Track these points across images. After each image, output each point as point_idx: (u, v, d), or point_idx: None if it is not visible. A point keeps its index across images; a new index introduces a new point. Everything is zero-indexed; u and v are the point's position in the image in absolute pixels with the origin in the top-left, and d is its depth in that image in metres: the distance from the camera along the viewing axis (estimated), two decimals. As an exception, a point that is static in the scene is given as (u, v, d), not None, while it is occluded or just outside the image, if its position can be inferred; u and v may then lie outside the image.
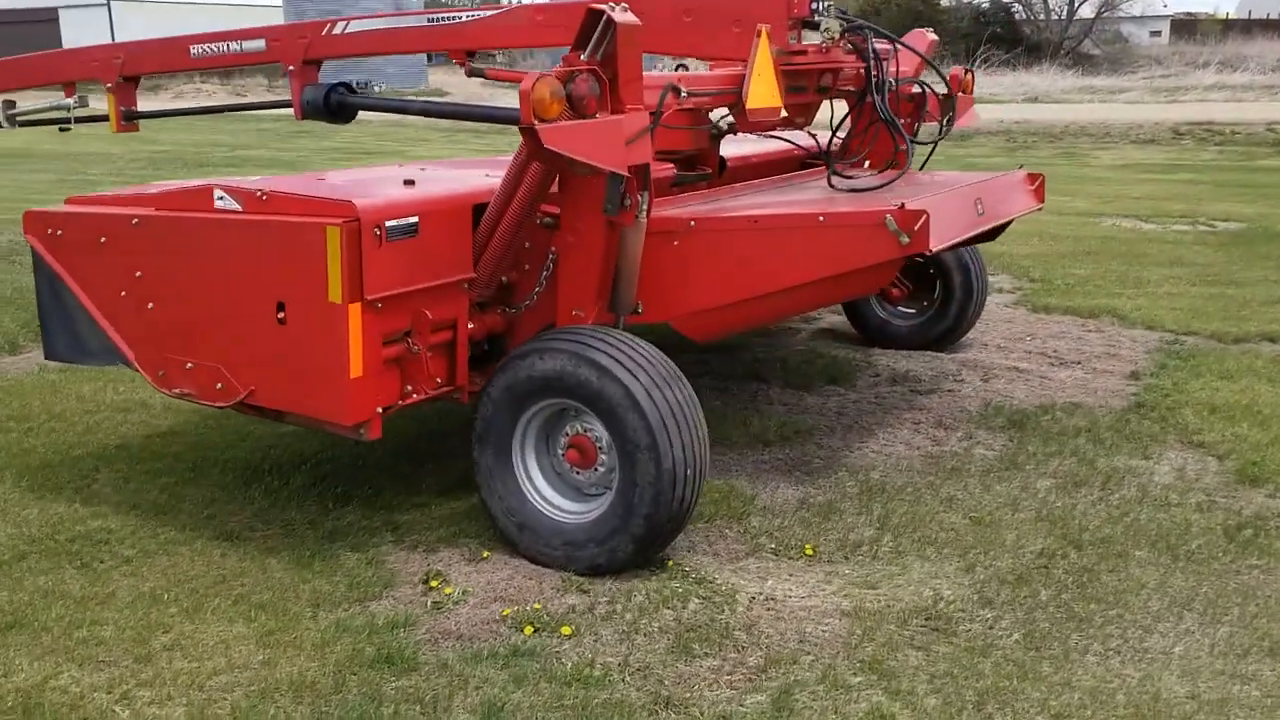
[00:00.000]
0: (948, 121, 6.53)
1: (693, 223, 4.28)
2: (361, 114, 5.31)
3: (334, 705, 3.20)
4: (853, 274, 4.27)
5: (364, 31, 6.25)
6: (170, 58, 6.76)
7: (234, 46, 6.55)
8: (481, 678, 3.32)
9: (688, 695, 3.25)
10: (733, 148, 5.95)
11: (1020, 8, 41.85)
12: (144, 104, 6.50)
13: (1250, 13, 56.04)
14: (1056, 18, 40.18)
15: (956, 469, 4.84)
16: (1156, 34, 49.22)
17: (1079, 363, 6.42)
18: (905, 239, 4.05)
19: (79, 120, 7.08)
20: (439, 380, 4.12)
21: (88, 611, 3.71)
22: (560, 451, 4.01)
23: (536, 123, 3.49)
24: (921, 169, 6.30)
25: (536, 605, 3.72)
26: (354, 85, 5.24)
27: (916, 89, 5.96)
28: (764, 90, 4.63)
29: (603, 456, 3.91)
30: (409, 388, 4.00)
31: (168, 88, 37.67)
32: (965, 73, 6.66)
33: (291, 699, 3.24)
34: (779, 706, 3.17)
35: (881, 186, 5.00)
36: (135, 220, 4.11)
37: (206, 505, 4.53)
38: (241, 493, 4.63)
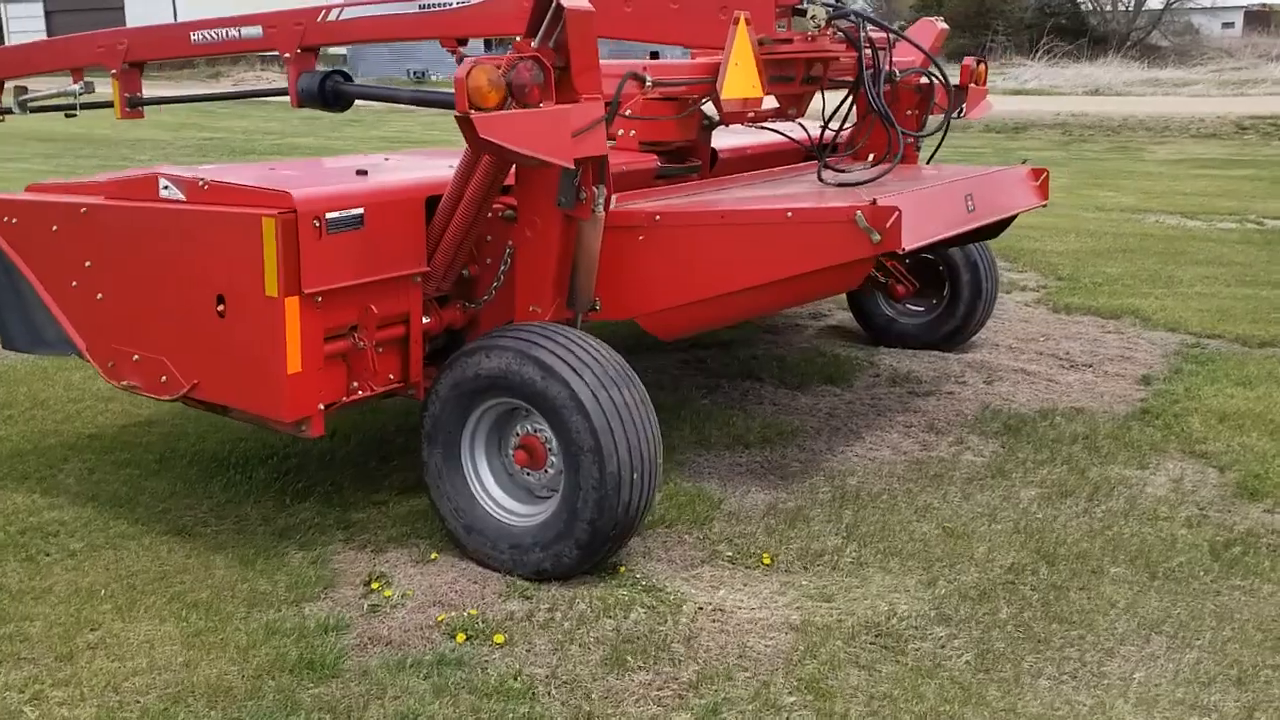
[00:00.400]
0: (957, 113, 6.35)
1: (658, 217, 4.13)
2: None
3: (247, 711, 3.11)
4: (824, 272, 4.09)
5: (357, 18, 6.17)
6: (172, 44, 6.73)
7: (233, 33, 6.48)
8: (401, 687, 3.21)
9: (611, 711, 3.11)
10: (730, 139, 5.79)
11: (1086, -2, 40.95)
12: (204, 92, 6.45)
13: (1329, 3, 54.30)
14: (1124, 9, 39.21)
15: (939, 476, 4.64)
16: (1229, 25, 47.85)
17: (1090, 366, 6.17)
18: (876, 237, 3.86)
19: (85, 106, 7.09)
20: (391, 377, 4.01)
21: (20, 606, 3.65)
22: (510, 452, 3.88)
23: (472, 112, 3.36)
24: (929, 161, 6.11)
25: (473, 611, 3.60)
26: (349, 73, 5.15)
27: (924, 80, 5.76)
28: (741, 80, 4.47)
29: (552, 458, 3.78)
30: (355, 384, 3.89)
31: (228, 75, 38.18)
32: (977, 63, 6.44)
33: (205, 703, 3.15)
34: (701, 727, 3.03)
35: (871, 180, 4.81)
36: (84, 209, 4.05)
37: (165, 498, 4.47)
38: (202, 486, 4.57)
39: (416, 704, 3.13)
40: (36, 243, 4.22)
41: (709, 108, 5.19)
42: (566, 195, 3.85)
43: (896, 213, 3.85)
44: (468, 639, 3.45)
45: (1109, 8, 39.64)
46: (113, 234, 4.00)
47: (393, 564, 3.94)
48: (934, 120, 5.89)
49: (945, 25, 6.34)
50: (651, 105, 4.81)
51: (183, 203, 3.82)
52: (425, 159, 4.84)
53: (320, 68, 5.11)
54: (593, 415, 3.55)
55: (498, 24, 5.44)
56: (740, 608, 3.64)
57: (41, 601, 3.69)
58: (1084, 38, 36.03)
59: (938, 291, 6.49)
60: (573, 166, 3.63)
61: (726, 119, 4.86)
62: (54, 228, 4.15)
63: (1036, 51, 34.24)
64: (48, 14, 44.08)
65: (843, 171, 5.17)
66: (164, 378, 3.96)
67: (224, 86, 33.09)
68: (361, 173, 4.06)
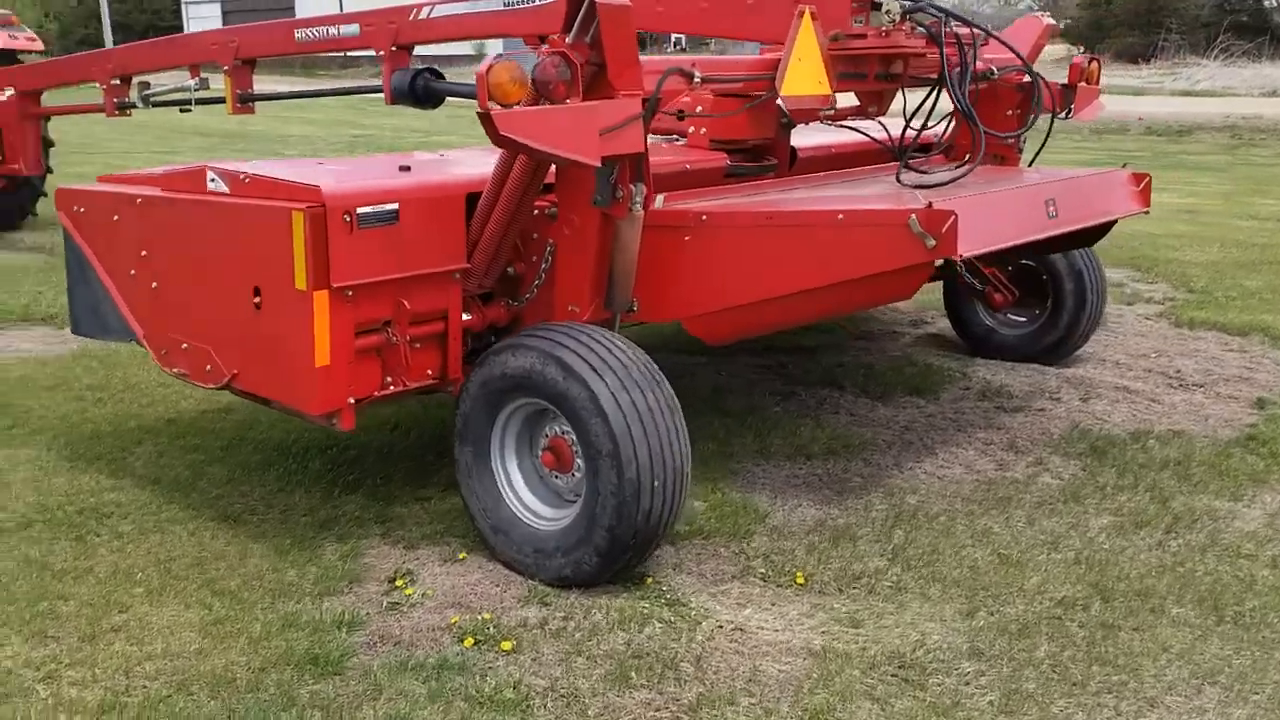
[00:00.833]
0: (1064, 113, 6.02)
1: (704, 217, 4.00)
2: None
3: (245, 703, 3.11)
4: (876, 278, 3.89)
5: (448, 16, 6.21)
6: (278, 42, 6.89)
7: (333, 31, 6.61)
8: (398, 689, 3.17)
9: (603, 729, 3.01)
10: (814, 138, 5.60)
11: (1272, -6, 38.64)
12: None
13: None
14: (1314, 5, 36.89)
15: (1007, 498, 4.38)
16: None
17: (1202, 385, 5.75)
18: (931, 242, 3.65)
19: (199, 102, 7.32)
20: (429, 372, 3.99)
21: (60, 585, 3.75)
22: (539, 453, 3.81)
23: (493, 108, 3.29)
24: (1032, 163, 5.81)
25: (486, 615, 3.54)
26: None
27: (1027, 78, 5.48)
28: (805, 77, 4.29)
29: (579, 461, 3.69)
30: (389, 379, 3.88)
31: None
32: (1089, 61, 6.10)
33: (208, 693, 3.17)
34: (689, 752, 2.90)
35: (950, 182, 4.57)
36: (140, 200, 4.14)
37: (222, 484, 4.54)
38: (260, 474, 4.63)
39: (408, 707, 3.08)
40: (100, 232, 4.34)
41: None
42: (602, 193, 3.75)
43: (952, 217, 3.63)
44: (476, 644, 3.39)
45: (1297, 4, 37.36)
46: (165, 224, 4.09)
47: (422, 561, 3.91)
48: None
49: (1054, 21, 6.01)
50: (722, 103, 4.68)
51: (226, 195, 3.87)
52: (484, 155, 4.80)
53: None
54: (611, 418, 3.44)
55: None
56: (762, 628, 3.48)
57: (81, 582, 3.78)
58: (1265, 36, 34.04)
59: (1040, 302, 6.16)
60: (599, 164, 3.53)
61: (793, 117, 4.69)
62: (115, 217, 4.26)
63: (1212, 50, 32.50)
64: (225, 13, 46.10)
65: (925, 172, 4.93)
66: (209, 366, 4.02)
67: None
68: (405, 169, 4.04)
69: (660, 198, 4.18)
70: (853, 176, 5.22)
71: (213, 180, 3.91)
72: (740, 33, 4.94)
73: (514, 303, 4.20)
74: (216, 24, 45.23)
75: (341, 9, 45.74)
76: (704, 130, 4.93)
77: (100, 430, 5.19)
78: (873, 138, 5.30)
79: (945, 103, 5.02)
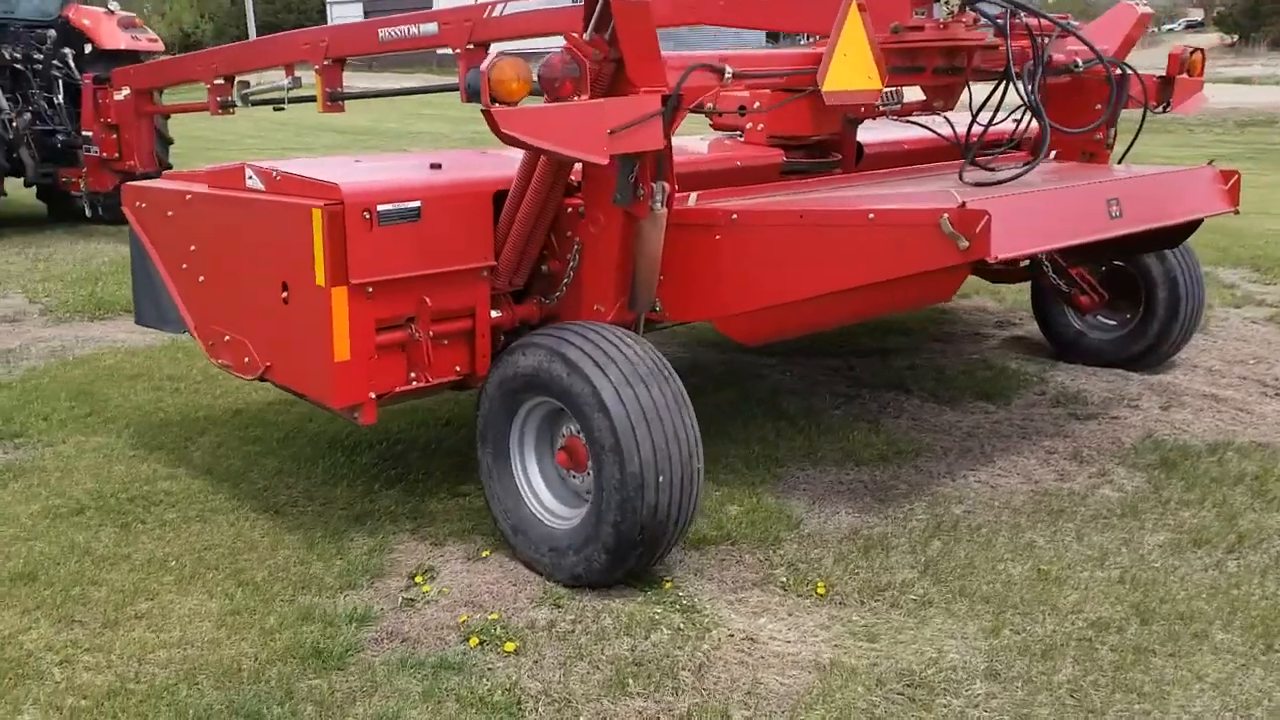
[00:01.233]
0: (1161, 107, 5.72)
1: (735, 216, 3.90)
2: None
3: (245, 695, 3.15)
4: (910, 280, 3.73)
5: (519, 14, 6.23)
6: (364, 41, 7.03)
7: (413, 30, 6.72)
8: (393, 687, 3.17)
9: (589, 736, 2.96)
10: (883, 134, 5.43)
11: None
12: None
13: None
14: None
15: (1060, 511, 4.17)
16: None
17: (1299, 395, 5.40)
18: (964, 243, 3.48)
19: (293, 100, 7.52)
20: (457, 369, 3.98)
21: (97, 570, 3.86)
22: (556, 452, 3.78)
23: (494, 105, 3.26)
24: (1121, 160, 5.53)
25: (494, 615, 3.51)
26: None
27: (1118, 71, 5.22)
28: (850, 70, 4.15)
29: (590, 459, 3.64)
30: (413, 375, 3.88)
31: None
32: (1190, 52, 5.77)
33: (212, 683, 3.22)
34: (669, 765, 2.82)
35: (1012, 179, 4.37)
36: (189, 196, 4.24)
37: (271, 476, 4.63)
38: (309, 466, 4.71)
39: (399, 705, 3.08)
40: (158, 226, 4.47)
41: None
42: (623, 192, 3.69)
43: (985, 217, 3.46)
44: (480, 644, 3.37)
45: None
46: (209, 220, 4.18)
47: (446, 558, 3.92)
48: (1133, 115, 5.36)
49: (1149, 10, 5.70)
50: (777, 99, 4.56)
51: (261, 192, 3.93)
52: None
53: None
54: (613, 412, 3.39)
55: (684, 14, 5.31)
56: (774, 639, 3.38)
57: (116, 568, 3.89)
58: None
59: (1133, 306, 5.85)
60: (606, 162, 3.46)
61: (852, 113, 4.55)
62: (169, 213, 4.37)
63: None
64: (366, 12, 47.38)
65: (992, 170, 4.72)
66: (247, 359, 4.10)
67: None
68: (436, 166, 4.04)
69: (693, 196, 4.10)
70: (920, 174, 5.04)
71: (250, 178, 3.98)
72: (782, 24, 4.82)
73: (546, 301, 4.17)
74: (358, 24, 46.50)
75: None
76: (761, 126, 4.82)
77: (169, 420, 5.35)
78: (939, 134, 5.10)
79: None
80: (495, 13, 6.15)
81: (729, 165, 4.59)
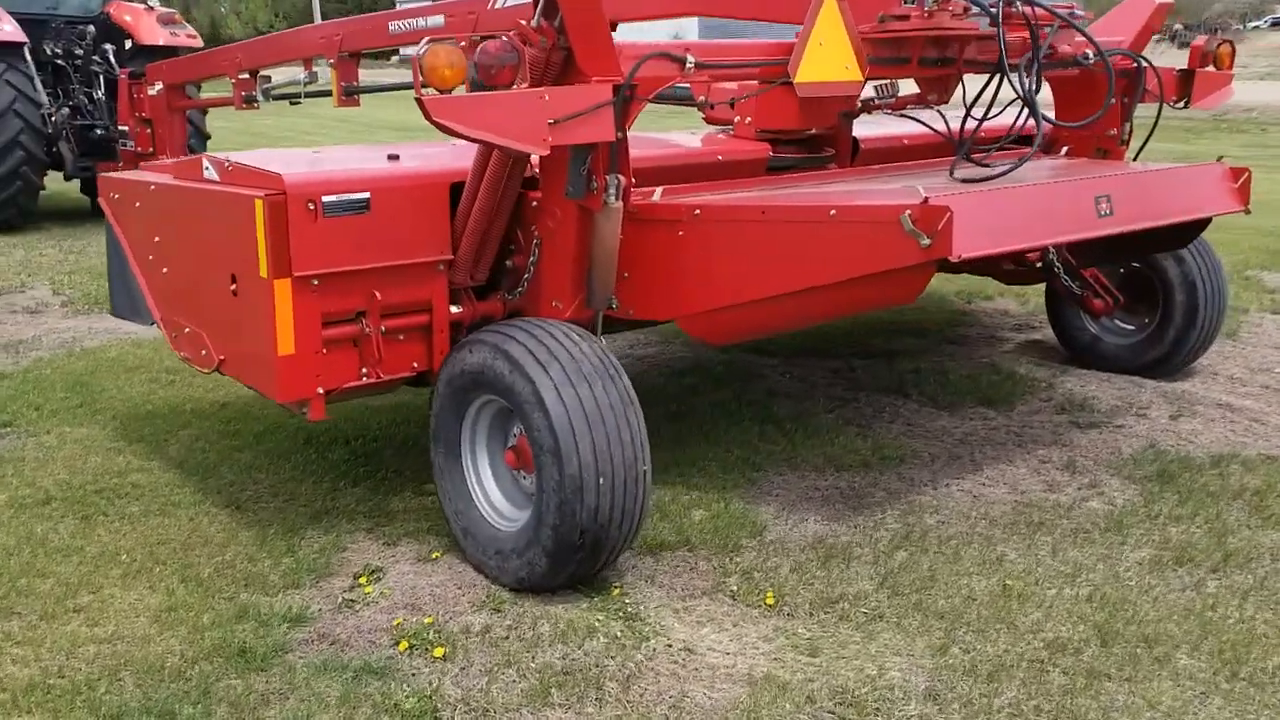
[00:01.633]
0: (1182, 102, 5.48)
1: (697, 211, 3.77)
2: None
3: (163, 693, 3.10)
4: (872, 279, 3.56)
5: (524, 5, 6.13)
6: (375, 35, 6.98)
7: (421, 23, 6.65)
8: (309, 691, 3.09)
9: (499, 748, 2.85)
10: (881, 129, 5.27)
11: None
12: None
13: None
14: None
15: (1041, 524, 3.97)
16: None
17: (1322, 407, 5.12)
18: (925, 241, 3.32)
19: (309, 95, 7.51)
20: (415, 365, 3.90)
21: (48, 563, 3.84)
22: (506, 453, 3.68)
23: (425, 93, 3.16)
24: (1136, 156, 5.32)
25: (429, 619, 3.42)
26: None
27: (1133, 64, 5.01)
28: (826, 62, 4.01)
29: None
30: (365, 371, 3.80)
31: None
32: (1217, 44, 5.52)
33: (134, 680, 3.16)
34: (572, 781, 2.70)
35: (1001, 175, 4.18)
36: (153, 187, 4.21)
37: (241, 471, 4.59)
38: (279, 462, 4.66)
39: (312, 709, 3.00)
40: (128, 217, 4.45)
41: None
42: (575, 184, 3.58)
43: (947, 214, 3.29)
44: (410, 648, 3.28)
45: None
46: (170, 211, 4.14)
47: (396, 559, 3.83)
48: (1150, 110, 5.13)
49: (1168, 0, 5.45)
50: (767, 92, 4.42)
51: (215, 183, 3.88)
52: None
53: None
54: (553, 412, 3.28)
55: (724, 6, 5.19)
56: (711, 650, 3.24)
57: (67, 560, 3.86)
58: None
59: (1150, 310, 5.60)
60: (546, 153, 3.35)
61: (845, 106, 4.41)
62: (137, 204, 4.35)
63: None
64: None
65: (986, 165, 4.53)
66: (204, 351, 4.06)
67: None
68: (394, 157, 3.96)
69: (658, 191, 3.97)
70: (914, 170, 4.86)
71: (206, 168, 3.93)
72: (751, 14, 4.66)
73: (510, 296, 4.07)
74: (425, 23, 46.85)
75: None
76: (749, 120, 4.69)
77: (156, 412, 5.34)
78: (933, 128, 4.91)
79: (1045, 92, 4.63)
80: (498, 4, 6.06)
81: (708, 160, 4.45)
